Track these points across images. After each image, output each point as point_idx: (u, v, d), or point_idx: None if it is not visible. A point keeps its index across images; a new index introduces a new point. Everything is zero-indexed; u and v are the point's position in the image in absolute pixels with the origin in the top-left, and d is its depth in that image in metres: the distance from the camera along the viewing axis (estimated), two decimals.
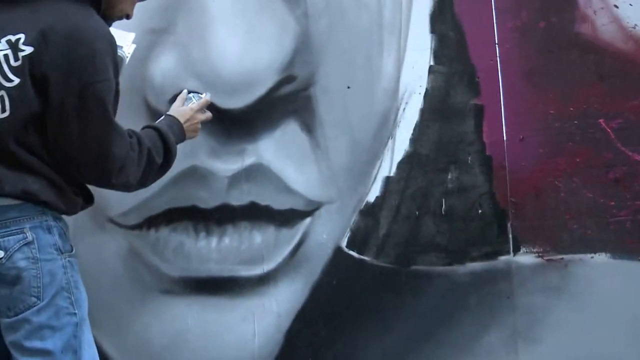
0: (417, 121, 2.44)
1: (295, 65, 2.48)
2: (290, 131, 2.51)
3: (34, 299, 1.80)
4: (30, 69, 1.78)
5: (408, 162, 2.44)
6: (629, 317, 2.30)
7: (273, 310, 2.54)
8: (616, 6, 2.27)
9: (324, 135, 2.49)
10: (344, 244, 2.49)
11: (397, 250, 2.45)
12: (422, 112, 2.43)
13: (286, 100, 2.49)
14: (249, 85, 2.48)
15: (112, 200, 2.55)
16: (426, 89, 2.43)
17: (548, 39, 2.34)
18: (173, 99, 2.38)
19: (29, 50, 1.78)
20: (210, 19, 2.52)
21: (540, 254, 2.36)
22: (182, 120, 2.17)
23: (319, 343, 2.52)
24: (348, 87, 2.47)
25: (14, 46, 1.79)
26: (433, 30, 2.42)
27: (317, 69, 2.48)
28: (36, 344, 1.81)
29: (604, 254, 2.31)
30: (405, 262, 2.45)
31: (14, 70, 1.79)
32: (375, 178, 2.46)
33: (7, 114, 1.79)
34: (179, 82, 2.50)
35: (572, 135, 2.32)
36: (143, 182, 1.97)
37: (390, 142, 2.45)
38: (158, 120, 2.16)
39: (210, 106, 2.40)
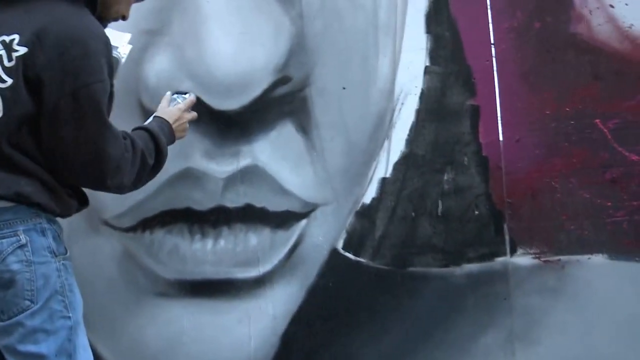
0: (413, 122, 2.43)
1: (291, 66, 2.47)
2: (285, 132, 2.50)
3: (27, 302, 1.79)
4: (24, 69, 1.77)
5: (404, 163, 2.44)
6: (626, 318, 2.30)
7: (269, 313, 2.53)
8: (612, 6, 2.28)
9: (319, 137, 2.48)
10: (340, 245, 2.49)
11: (394, 252, 2.45)
12: (418, 112, 2.43)
13: (281, 102, 2.49)
14: (243, 87, 2.47)
15: (106, 202, 2.54)
16: (422, 89, 2.42)
17: (544, 39, 2.34)
18: None
19: (22, 50, 1.77)
20: (205, 19, 2.50)
21: (537, 255, 2.35)
22: (171, 121, 2.16)
23: (315, 345, 2.51)
24: (343, 88, 2.46)
25: (7, 47, 1.78)
26: (428, 30, 2.42)
27: (313, 70, 2.48)
28: (30, 347, 1.80)
29: (600, 254, 2.31)
30: (402, 263, 2.44)
31: (7, 71, 1.77)
32: (371, 179, 2.46)
33: (0, 115, 1.78)
34: (173, 83, 2.48)
35: (569, 136, 2.32)
36: (136, 184, 1.96)
37: (386, 143, 2.45)
38: (147, 122, 2.14)
39: (206, 107, 2.39)
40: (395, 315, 2.45)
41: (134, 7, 2.10)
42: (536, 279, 2.36)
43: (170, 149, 2.09)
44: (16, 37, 1.78)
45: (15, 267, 1.78)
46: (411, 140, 2.43)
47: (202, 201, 2.54)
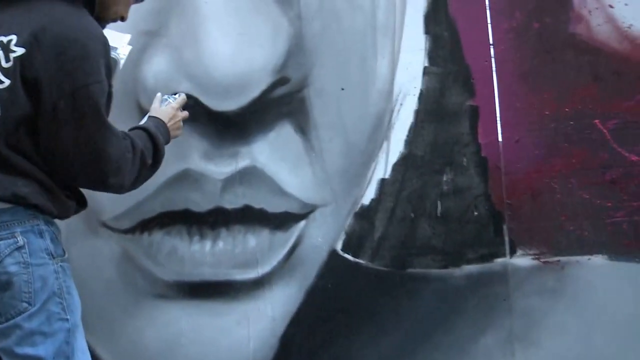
0: (411, 123, 2.43)
1: (289, 67, 2.47)
2: (284, 133, 2.49)
3: (25, 305, 1.78)
4: (21, 70, 1.76)
5: (403, 164, 2.43)
6: (626, 318, 2.29)
7: (268, 314, 2.52)
8: (611, 6, 2.27)
9: (318, 138, 2.48)
10: (339, 247, 2.48)
11: (393, 253, 2.44)
12: (417, 113, 2.43)
13: (280, 103, 2.48)
14: (242, 88, 2.47)
15: (105, 204, 2.54)
16: (421, 90, 2.42)
17: (543, 39, 2.33)
18: None
19: (20, 51, 1.76)
20: (203, 21, 2.50)
21: (536, 256, 2.35)
22: (166, 120, 2.16)
23: (314, 347, 2.51)
24: (342, 89, 2.46)
25: (5, 47, 1.77)
26: (427, 31, 2.42)
27: (311, 71, 2.47)
28: (27, 350, 1.79)
29: (600, 255, 2.31)
30: (401, 264, 2.44)
31: (4, 71, 1.77)
32: (370, 180, 2.46)
33: None
34: (171, 84, 2.48)
35: (568, 136, 2.32)
36: (135, 184, 1.96)
37: (385, 143, 2.44)
38: (143, 122, 2.13)
39: (204, 109, 2.38)
40: (395, 316, 2.44)
41: (133, 8, 2.10)
42: (536, 279, 2.35)
43: (169, 151, 2.08)
44: (14, 37, 1.77)
45: (13, 269, 1.78)
46: (410, 141, 2.43)
47: (201, 202, 2.53)
